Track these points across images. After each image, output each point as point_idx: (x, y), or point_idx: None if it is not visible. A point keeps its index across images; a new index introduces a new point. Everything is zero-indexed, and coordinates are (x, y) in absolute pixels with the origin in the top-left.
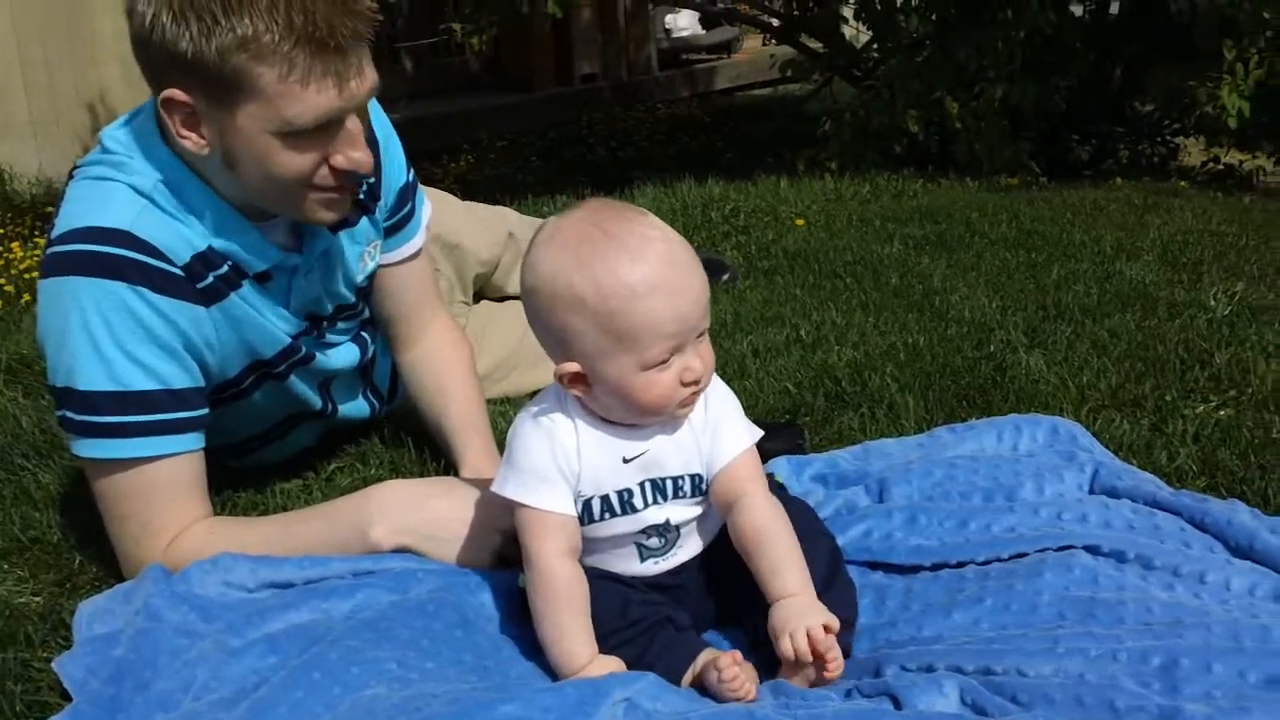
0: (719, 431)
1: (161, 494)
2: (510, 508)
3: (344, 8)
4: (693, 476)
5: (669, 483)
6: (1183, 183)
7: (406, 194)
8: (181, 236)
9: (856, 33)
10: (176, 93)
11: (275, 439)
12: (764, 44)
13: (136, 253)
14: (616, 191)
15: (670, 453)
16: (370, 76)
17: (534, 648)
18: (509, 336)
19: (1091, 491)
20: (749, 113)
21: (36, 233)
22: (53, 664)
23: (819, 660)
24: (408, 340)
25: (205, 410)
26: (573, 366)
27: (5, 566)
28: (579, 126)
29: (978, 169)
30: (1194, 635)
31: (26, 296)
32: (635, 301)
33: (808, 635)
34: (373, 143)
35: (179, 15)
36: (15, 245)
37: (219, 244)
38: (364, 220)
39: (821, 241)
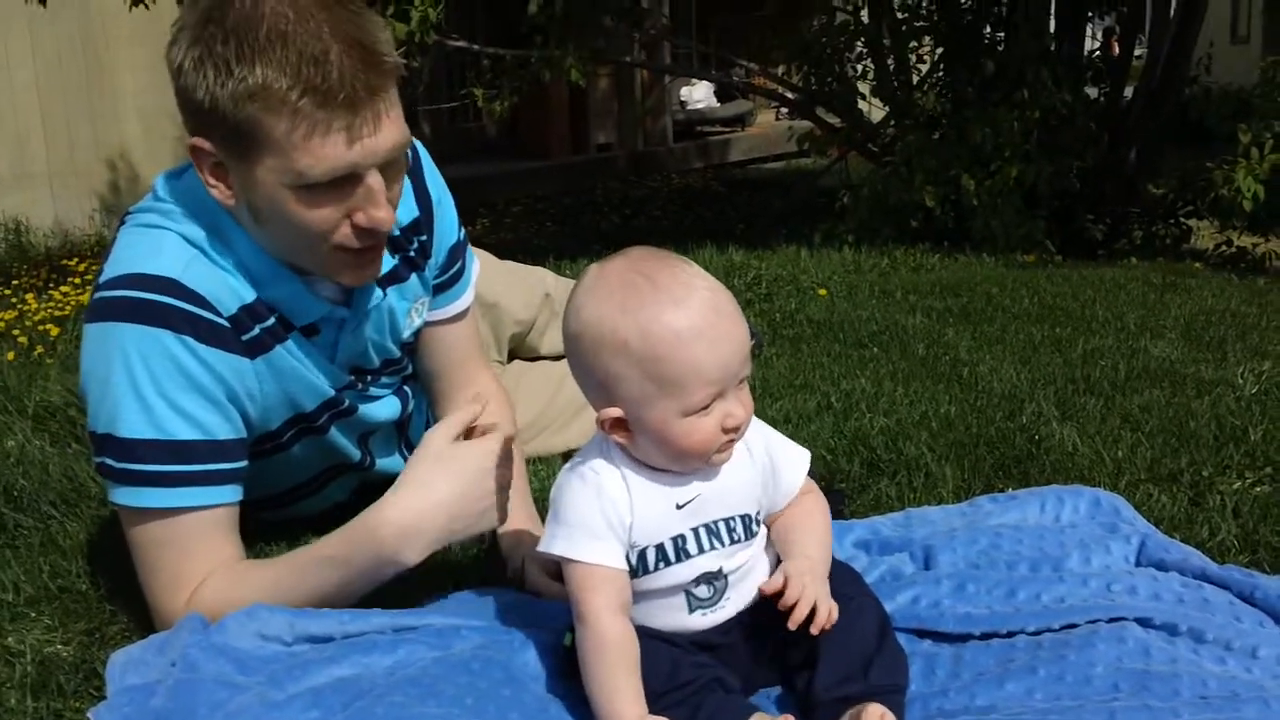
0: (783, 465)
1: (197, 545)
2: (501, 456)
3: (359, 60)
4: (743, 517)
5: (721, 525)
6: (1196, 264)
7: (457, 253)
8: (229, 288)
9: (871, 108)
10: (201, 141)
11: (311, 492)
12: (777, 118)
13: (184, 302)
14: None
15: (719, 495)
16: (391, 132)
17: (580, 707)
18: (540, 397)
19: (1138, 564)
20: (762, 185)
21: (51, 284)
22: (88, 714)
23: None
24: (450, 396)
25: (245, 462)
26: (615, 412)
27: (33, 615)
28: (594, 194)
29: (993, 245)
30: (1251, 710)
31: (39, 349)
32: (679, 347)
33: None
34: (425, 201)
35: (198, 63)
36: (30, 296)
37: (266, 295)
38: (414, 276)
39: (845, 311)
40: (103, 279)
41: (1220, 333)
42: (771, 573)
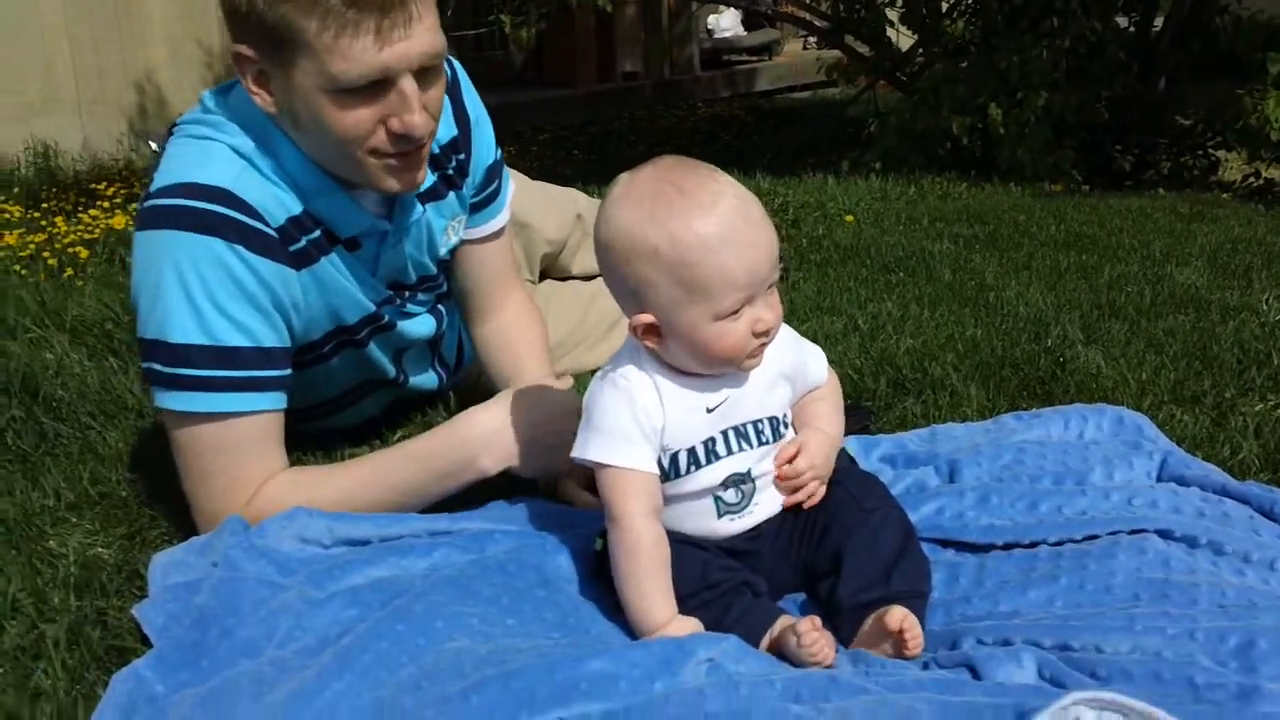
0: (809, 359)
1: (247, 450)
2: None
3: None
4: (771, 419)
5: (749, 427)
6: (1224, 195)
7: (494, 172)
8: (277, 199)
9: (899, 36)
10: (243, 48)
11: (347, 405)
12: (804, 47)
13: (235, 211)
14: None
15: (748, 398)
16: (424, 37)
17: (613, 608)
18: (571, 315)
19: (1160, 479)
20: (789, 115)
21: (80, 208)
22: (133, 610)
23: (898, 636)
24: (483, 314)
25: (289, 371)
26: (647, 318)
27: (74, 520)
28: (620, 123)
29: (1020, 174)
30: (1269, 618)
31: (70, 271)
32: (708, 254)
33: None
34: (464, 120)
35: None
36: (59, 219)
37: (313, 208)
38: (451, 194)
39: (872, 237)
40: (154, 187)
41: (1246, 261)
42: None
